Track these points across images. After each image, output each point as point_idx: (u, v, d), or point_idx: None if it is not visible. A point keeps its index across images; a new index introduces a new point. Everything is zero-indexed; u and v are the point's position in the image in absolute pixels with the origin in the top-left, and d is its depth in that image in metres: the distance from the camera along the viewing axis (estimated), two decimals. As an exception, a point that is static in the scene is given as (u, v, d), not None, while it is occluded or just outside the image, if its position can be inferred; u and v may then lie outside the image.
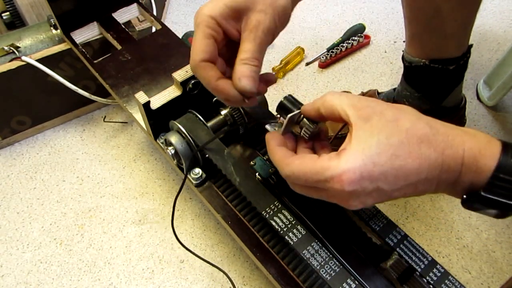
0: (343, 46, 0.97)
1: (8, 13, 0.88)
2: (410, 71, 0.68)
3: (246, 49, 0.40)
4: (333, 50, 0.97)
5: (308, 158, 0.37)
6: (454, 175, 0.35)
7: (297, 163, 0.37)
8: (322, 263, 0.43)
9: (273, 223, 0.46)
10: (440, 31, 0.60)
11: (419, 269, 0.43)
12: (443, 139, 0.35)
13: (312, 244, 0.44)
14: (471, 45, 0.65)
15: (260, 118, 0.56)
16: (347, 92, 0.52)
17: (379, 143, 0.34)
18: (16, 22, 0.89)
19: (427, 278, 0.43)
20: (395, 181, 0.34)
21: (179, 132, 0.54)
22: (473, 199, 0.35)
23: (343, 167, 0.34)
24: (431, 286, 0.43)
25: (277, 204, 0.47)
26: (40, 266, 0.69)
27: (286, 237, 0.45)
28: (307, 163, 0.36)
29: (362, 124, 0.35)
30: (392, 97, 0.74)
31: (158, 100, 0.54)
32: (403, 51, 0.68)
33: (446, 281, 0.42)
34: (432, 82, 0.67)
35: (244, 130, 0.58)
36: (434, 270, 0.43)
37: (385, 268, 0.45)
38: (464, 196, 0.35)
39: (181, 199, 0.75)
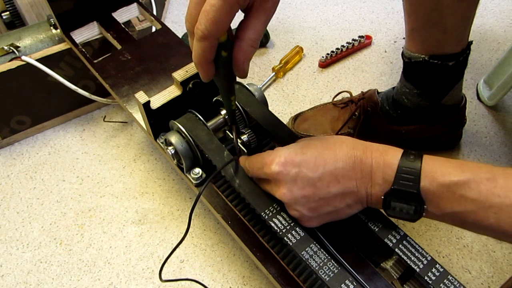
0: (343, 46, 0.97)
1: (8, 12, 0.88)
2: (410, 67, 0.68)
3: (256, 29, 0.38)
4: (334, 50, 0.97)
5: (257, 154, 0.48)
6: (367, 169, 0.42)
7: (250, 158, 0.49)
8: (320, 264, 0.43)
9: (272, 224, 0.46)
10: (440, 25, 0.60)
11: (417, 269, 0.43)
12: (353, 140, 0.44)
13: (311, 246, 0.44)
14: (471, 42, 0.65)
15: (259, 118, 0.56)
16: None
17: (303, 142, 0.45)
18: (16, 22, 0.89)
19: (426, 277, 0.42)
20: (315, 167, 0.42)
21: (179, 132, 0.54)
22: (389, 197, 0.41)
23: (273, 155, 0.45)
24: (431, 286, 0.43)
25: (275, 206, 0.47)
26: (40, 266, 0.69)
27: (285, 238, 0.45)
28: (255, 156, 0.48)
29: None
30: (391, 95, 0.74)
31: (158, 100, 0.54)
32: (403, 47, 0.68)
33: (445, 280, 0.42)
34: (432, 79, 0.67)
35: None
36: (433, 269, 0.43)
37: (386, 268, 0.45)
38: (382, 197, 0.42)
39: (181, 199, 0.75)
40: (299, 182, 0.43)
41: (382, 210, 0.44)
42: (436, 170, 0.40)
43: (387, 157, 0.42)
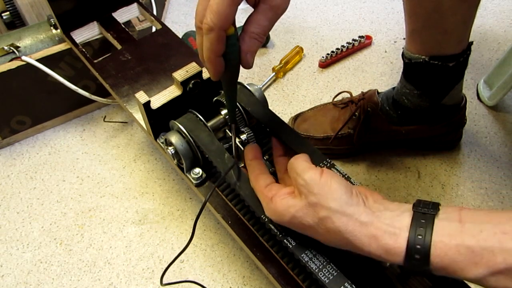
0: (344, 47, 0.97)
1: (8, 13, 0.88)
2: (410, 68, 0.68)
3: (260, 24, 0.39)
4: (334, 50, 0.97)
5: (260, 181, 0.46)
6: (365, 250, 0.38)
7: (253, 180, 0.47)
8: (320, 267, 0.43)
9: (272, 227, 0.46)
10: (440, 27, 0.60)
11: None
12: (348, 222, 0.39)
13: (310, 248, 0.44)
14: (472, 42, 0.65)
15: (261, 118, 0.56)
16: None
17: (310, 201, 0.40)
18: (16, 22, 0.89)
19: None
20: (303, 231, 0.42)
21: (179, 131, 0.54)
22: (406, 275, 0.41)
23: (271, 208, 0.43)
24: (431, 285, 0.43)
25: None
26: (40, 266, 0.69)
27: (284, 240, 0.45)
28: (258, 185, 0.46)
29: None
30: (392, 96, 0.74)
31: (158, 100, 0.54)
32: (403, 47, 0.68)
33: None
34: (432, 79, 0.67)
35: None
36: None
37: (386, 267, 0.45)
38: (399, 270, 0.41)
39: (181, 199, 0.75)
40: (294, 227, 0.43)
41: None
42: (448, 266, 0.35)
43: (390, 242, 0.37)
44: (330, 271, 0.43)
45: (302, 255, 0.44)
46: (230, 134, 0.56)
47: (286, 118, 0.85)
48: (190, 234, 0.70)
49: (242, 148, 0.54)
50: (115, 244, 0.70)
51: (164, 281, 0.65)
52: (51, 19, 0.76)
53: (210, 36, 0.38)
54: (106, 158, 0.82)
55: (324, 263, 0.43)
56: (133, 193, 0.77)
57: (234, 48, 0.39)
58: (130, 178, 0.79)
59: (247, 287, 0.65)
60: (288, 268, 0.48)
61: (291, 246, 0.44)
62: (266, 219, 0.46)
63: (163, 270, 0.67)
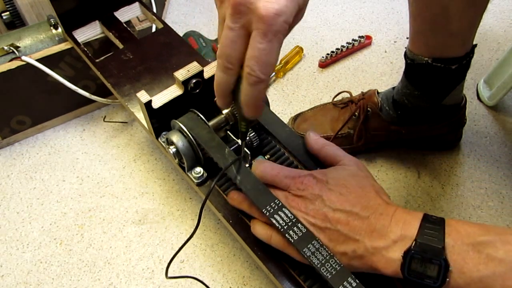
0: (343, 47, 0.97)
1: (8, 13, 0.88)
2: (412, 68, 0.68)
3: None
4: (334, 50, 0.97)
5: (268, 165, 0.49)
6: (384, 223, 0.41)
7: (264, 163, 0.49)
8: (322, 261, 0.43)
9: (274, 221, 0.46)
10: (445, 30, 0.60)
11: None
12: (381, 191, 0.45)
13: (313, 242, 0.44)
14: (475, 45, 0.65)
15: (261, 118, 0.56)
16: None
17: (337, 177, 0.46)
18: (16, 22, 0.89)
19: None
20: (334, 201, 0.44)
21: (180, 131, 0.54)
22: (410, 253, 0.38)
23: (303, 173, 0.48)
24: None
25: (277, 202, 0.47)
26: (40, 266, 0.68)
27: (286, 234, 0.45)
28: (271, 167, 0.49)
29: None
30: (392, 96, 0.74)
31: (159, 99, 0.54)
32: (406, 47, 0.68)
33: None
34: (433, 81, 0.67)
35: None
36: None
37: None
38: (402, 254, 0.39)
39: (181, 199, 0.75)
40: (317, 203, 0.45)
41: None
42: (460, 230, 0.38)
43: (408, 217, 0.41)
44: (333, 265, 0.42)
45: (304, 250, 0.43)
46: (232, 137, 0.56)
47: (286, 118, 0.85)
48: (190, 233, 0.71)
49: (248, 152, 0.54)
50: (115, 244, 0.70)
51: (162, 279, 0.66)
52: (51, 19, 0.76)
53: (259, 87, 0.36)
54: (106, 158, 0.82)
55: (327, 257, 0.43)
56: (133, 193, 0.77)
57: None
58: (130, 178, 0.79)
59: (247, 287, 0.65)
60: (289, 268, 0.48)
61: (293, 241, 0.44)
62: (268, 213, 0.46)
63: (167, 263, 0.66)
